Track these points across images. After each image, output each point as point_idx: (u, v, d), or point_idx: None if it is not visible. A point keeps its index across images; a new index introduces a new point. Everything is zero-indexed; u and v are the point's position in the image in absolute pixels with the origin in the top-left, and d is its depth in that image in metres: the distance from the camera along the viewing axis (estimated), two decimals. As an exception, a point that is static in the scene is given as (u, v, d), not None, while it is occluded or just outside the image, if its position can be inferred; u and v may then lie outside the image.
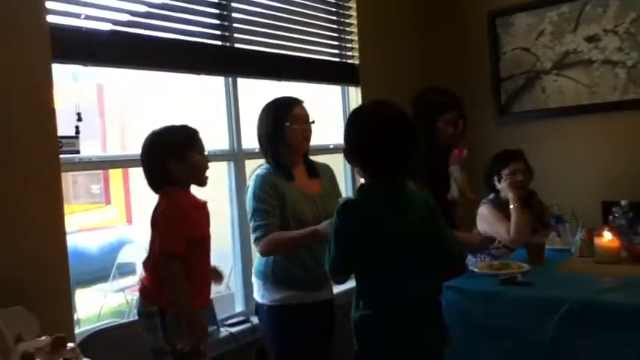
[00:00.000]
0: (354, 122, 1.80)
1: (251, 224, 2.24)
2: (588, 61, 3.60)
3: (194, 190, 2.06)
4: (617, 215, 2.65)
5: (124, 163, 2.52)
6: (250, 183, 2.29)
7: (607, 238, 2.44)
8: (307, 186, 2.34)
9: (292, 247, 2.22)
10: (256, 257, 2.35)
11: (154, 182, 1.99)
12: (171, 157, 1.93)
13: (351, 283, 3.03)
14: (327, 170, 2.50)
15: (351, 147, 1.78)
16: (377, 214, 1.72)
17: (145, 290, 1.95)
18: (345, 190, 3.39)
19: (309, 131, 2.33)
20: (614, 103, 3.52)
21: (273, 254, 2.24)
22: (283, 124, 2.26)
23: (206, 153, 2.06)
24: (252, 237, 2.23)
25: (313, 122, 2.35)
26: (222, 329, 2.63)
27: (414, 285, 1.74)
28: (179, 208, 1.90)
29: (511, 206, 2.83)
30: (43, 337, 1.47)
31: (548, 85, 3.75)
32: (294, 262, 2.25)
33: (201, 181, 2.01)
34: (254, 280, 2.36)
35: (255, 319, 2.75)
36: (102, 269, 5.08)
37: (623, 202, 2.75)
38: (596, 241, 2.48)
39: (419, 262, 1.74)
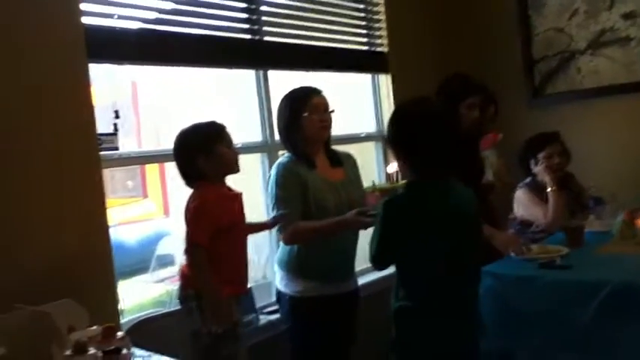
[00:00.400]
0: (399, 119, 1.83)
1: (274, 212, 2.24)
2: (626, 39, 3.49)
3: (230, 180, 2.11)
4: (658, 196, 2.59)
5: (160, 157, 2.57)
6: (272, 171, 2.30)
7: (649, 219, 2.40)
8: (330, 174, 2.33)
9: (317, 237, 2.22)
10: (280, 246, 2.36)
11: (186, 178, 2.07)
12: (200, 154, 2.00)
13: (378, 274, 3.10)
14: (350, 159, 2.48)
15: (395, 143, 1.81)
16: (421, 209, 1.76)
17: (183, 276, 2.04)
18: (378, 178, 3.39)
19: (328, 120, 2.31)
20: (654, 82, 3.43)
21: (298, 243, 2.25)
22: (300, 114, 2.25)
23: (238, 145, 2.12)
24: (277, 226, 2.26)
25: (332, 111, 2.33)
26: (261, 317, 2.67)
27: (455, 278, 1.77)
28: (203, 201, 1.97)
29: (548, 190, 2.79)
30: (94, 327, 1.54)
31: (583, 65, 3.66)
32: (317, 252, 2.25)
33: (233, 170, 2.07)
34: (276, 268, 2.38)
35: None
36: (142, 261, 5.21)
37: (664, 182, 2.69)
38: (638, 222, 2.44)
39: (460, 255, 1.78)
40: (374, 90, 3.52)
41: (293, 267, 2.28)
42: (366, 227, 2.07)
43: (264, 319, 2.68)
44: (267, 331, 2.63)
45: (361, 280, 2.72)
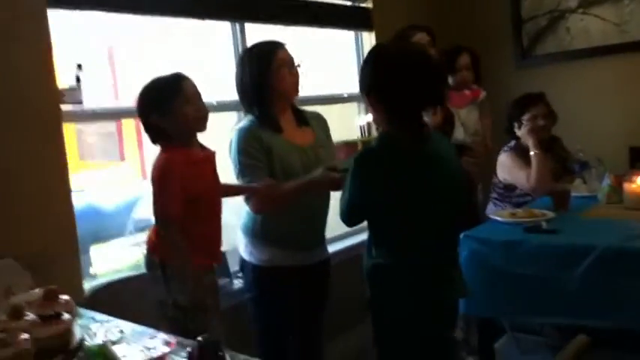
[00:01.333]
0: (376, 62, 1.64)
1: (239, 181, 2.06)
2: (618, -3, 3.38)
3: (204, 139, 1.95)
4: (648, 159, 2.53)
5: (128, 113, 2.42)
6: (233, 137, 2.08)
7: (638, 183, 2.32)
8: (297, 137, 2.13)
9: (288, 201, 2.04)
10: (244, 212, 2.15)
11: (151, 138, 1.89)
12: (153, 113, 1.81)
13: (349, 242, 3.02)
14: (319, 119, 2.27)
15: (371, 89, 1.64)
16: (397, 162, 1.62)
17: (150, 242, 1.90)
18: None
19: (297, 76, 2.11)
20: (646, 42, 3.33)
21: (268, 211, 2.07)
22: (269, 68, 2.04)
23: (212, 104, 1.94)
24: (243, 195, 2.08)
25: (299, 66, 2.12)
26: (235, 281, 2.59)
27: (430, 237, 1.67)
28: (169, 169, 1.79)
29: (531, 153, 2.70)
30: (36, 290, 1.40)
31: (573, 25, 3.54)
32: (283, 219, 2.08)
33: (194, 128, 1.88)
34: (240, 235, 2.19)
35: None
36: (119, 225, 5.09)
37: (654, 146, 2.62)
38: (626, 186, 2.37)
39: (436, 215, 1.66)
40: (357, 48, 3.38)
41: (258, 234, 2.11)
42: (337, 185, 1.88)
43: (238, 283, 2.58)
44: (241, 294, 2.54)
45: (333, 248, 2.64)
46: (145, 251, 1.93)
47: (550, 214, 2.29)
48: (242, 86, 2.12)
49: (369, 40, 3.35)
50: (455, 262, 1.79)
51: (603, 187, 2.53)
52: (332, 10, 3.13)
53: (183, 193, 1.76)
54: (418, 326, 1.67)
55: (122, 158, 6.42)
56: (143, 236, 4.90)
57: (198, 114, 1.84)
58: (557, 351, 1.34)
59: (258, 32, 2.74)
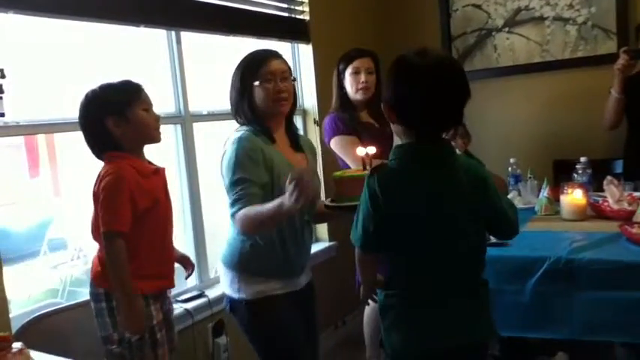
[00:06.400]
0: (394, 73, 1.49)
1: (229, 197, 1.82)
2: (540, 18, 3.56)
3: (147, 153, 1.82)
4: (580, 172, 2.64)
5: (59, 127, 2.21)
6: (230, 147, 1.85)
7: (576, 195, 2.41)
8: (292, 157, 1.96)
9: (264, 223, 1.77)
10: (225, 243, 1.97)
11: (96, 148, 1.74)
12: (110, 117, 1.68)
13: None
14: (309, 144, 2.14)
15: (389, 101, 1.48)
16: (413, 182, 1.46)
17: (94, 272, 1.72)
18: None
19: (285, 91, 1.90)
20: (565, 61, 3.52)
21: (247, 232, 1.82)
22: (251, 83, 1.89)
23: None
24: (230, 211, 1.81)
25: (294, 79, 1.97)
26: (176, 306, 2.42)
27: (450, 268, 1.50)
28: (120, 178, 1.64)
29: None
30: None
31: (499, 42, 3.69)
32: (269, 249, 1.89)
33: (153, 139, 1.77)
34: (223, 270, 1.97)
35: (210, 293, 2.58)
36: (31, 245, 4.71)
37: (582, 159, 2.74)
38: (563, 198, 2.45)
39: (459, 242, 1.49)
40: (294, 60, 3.31)
41: (246, 267, 1.91)
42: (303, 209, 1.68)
43: (179, 307, 2.42)
44: (184, 321, 2.39)
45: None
46: (90, 282, 1.74)
47: (495, 227, 2.32)
48: (230, 96, 1.97)
49: (306, 51, 3.30)
50: (480, 296, 1.56)
51: (540, 199, 2.61)
52: (269, 20, 3.06)
53: (132, 206, 1.63)
54: None
55: (34, 173, 5.97)
56: (59, 257, 4.58)
57: (155, 122, 1.74)
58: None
59: (196, 41, 2.62)
